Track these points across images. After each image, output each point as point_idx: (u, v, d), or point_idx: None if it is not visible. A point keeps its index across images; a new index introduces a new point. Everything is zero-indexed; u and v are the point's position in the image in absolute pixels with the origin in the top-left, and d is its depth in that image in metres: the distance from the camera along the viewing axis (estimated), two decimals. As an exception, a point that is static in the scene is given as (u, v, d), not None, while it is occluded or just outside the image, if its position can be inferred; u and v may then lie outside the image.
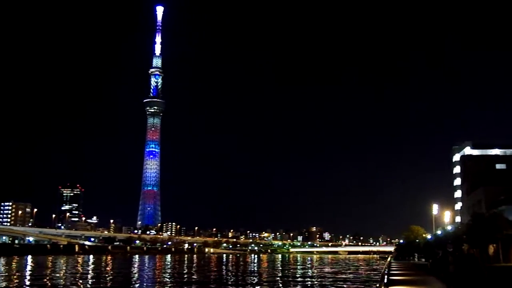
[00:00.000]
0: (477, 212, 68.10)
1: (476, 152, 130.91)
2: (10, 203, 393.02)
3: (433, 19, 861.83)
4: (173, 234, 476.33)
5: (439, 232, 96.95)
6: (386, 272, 47.33)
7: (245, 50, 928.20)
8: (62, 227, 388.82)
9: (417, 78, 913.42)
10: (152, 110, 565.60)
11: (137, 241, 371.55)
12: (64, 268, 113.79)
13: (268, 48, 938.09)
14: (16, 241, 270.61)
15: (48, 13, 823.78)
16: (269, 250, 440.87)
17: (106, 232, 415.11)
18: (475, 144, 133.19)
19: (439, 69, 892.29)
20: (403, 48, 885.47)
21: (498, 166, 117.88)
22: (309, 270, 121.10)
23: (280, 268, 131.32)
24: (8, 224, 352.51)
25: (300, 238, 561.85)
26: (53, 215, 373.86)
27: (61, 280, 74.58)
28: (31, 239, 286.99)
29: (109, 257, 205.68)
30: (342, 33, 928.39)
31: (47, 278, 78.79)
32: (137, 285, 72.31)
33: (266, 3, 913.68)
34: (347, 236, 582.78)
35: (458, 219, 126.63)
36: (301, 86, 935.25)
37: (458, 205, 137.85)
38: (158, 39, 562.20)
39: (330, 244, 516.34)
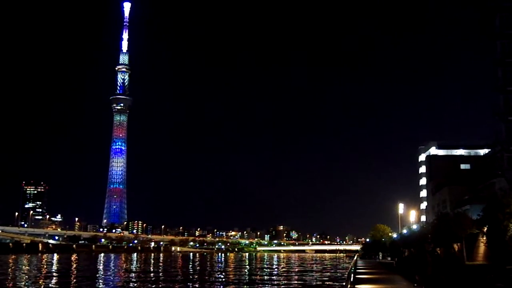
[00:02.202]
0: (442, 212, 69.21)
1: (441, 152, 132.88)
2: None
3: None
4: (139, 233, 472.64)
5: (405, 231, 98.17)
6: (352, 270, 47.70)
7: (212, 46, 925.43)
8: (26, 225, 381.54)
9: (381, 77, 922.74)
10: (119, 107, 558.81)
11: (103, 240, 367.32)
12: (26, 267, 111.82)
13: (234, 43, 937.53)
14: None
15: (13, 9, 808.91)
16: (236, 249, 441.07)
17: (67, 230, 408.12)
18: (440, 144, 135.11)
19: (405, 67, 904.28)
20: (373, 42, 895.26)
21: (462, 166, 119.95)
22: (276, 269, 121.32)
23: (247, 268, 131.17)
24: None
25: (267, 237, 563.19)
26: (16, 213, 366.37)
27: (23, 279, 73.40)
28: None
29: (73, 256, 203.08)
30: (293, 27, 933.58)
31: (8, 276, 77.50)
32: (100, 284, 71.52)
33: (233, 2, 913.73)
34: (314, 235, 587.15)
35: (423, 218, 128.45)
36: (270, 82, 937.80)
37: (424, 205, 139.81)
38: (125, 35, 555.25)
39: (297, 243, 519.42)
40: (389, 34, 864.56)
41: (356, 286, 35.90)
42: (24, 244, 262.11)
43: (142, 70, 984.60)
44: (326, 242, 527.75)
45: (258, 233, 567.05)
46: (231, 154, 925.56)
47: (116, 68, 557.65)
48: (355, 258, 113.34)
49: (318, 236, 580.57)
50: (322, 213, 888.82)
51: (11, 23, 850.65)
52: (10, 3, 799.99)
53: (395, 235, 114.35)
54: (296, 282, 75.97)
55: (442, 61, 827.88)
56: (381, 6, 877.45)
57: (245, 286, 70.15)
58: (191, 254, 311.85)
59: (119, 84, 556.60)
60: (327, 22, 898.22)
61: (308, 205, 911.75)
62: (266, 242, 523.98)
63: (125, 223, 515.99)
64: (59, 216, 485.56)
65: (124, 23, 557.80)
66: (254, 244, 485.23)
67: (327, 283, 73.32)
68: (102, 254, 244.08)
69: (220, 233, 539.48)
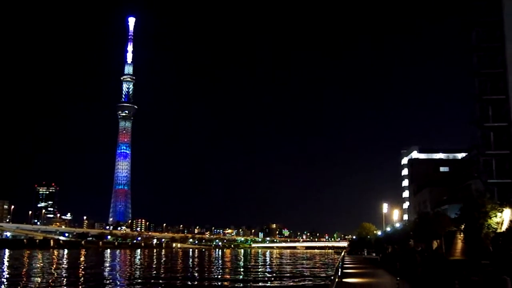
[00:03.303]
0: (423, 211, 69.42)
1: (422, 156, 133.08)
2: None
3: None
4: (142, 230, 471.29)
5: (388, 229, 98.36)
6: (340, 265, 47.81)
7: (212, 56, 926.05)
8: (38, 223, 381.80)
9: (367, 83, 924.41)
10: (124, 114, 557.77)
11: (109, 237, 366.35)
12: (40, 260, 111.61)
13: (234, 53, 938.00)
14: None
15: (24, 21, 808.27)
16: (232, 245, 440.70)
17: (76, 228, 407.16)
18: (421, 148, 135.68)
19: (390, 74, 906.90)
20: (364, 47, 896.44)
21: (442, 169, 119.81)
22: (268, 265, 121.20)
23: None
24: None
25: (261, 234, 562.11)
26: (30, 212, 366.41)
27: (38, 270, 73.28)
28: (8, 234, 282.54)
29: (82, 251, 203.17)
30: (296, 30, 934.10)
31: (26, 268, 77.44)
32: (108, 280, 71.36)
33: (230, 13, 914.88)
34: (305, 232, 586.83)
35: (406, 217, 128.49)
36: (267, 86, 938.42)
37: (406, 204, 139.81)
38: (130, 48, 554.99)
39: (289, 240, 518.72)
40: (375, 40, 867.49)
41: (343, 279, 36.04)
42: (37, 240, 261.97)
43: (146, 80, 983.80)
44: (316, 239, 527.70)
45: (253, 230, 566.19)
46: (228, 156, 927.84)
47: (122, 78, 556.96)
48: (342, 254, 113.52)
49: (308, 234, 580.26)
50: (312, 212, 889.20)
51: (24, 35, 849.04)
52: (24, 17, 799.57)
53: (379, 233, 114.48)
54: (288, 275, 76.00)
55: (425, 73, 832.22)
56: (364, 11, 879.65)
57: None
58: (191, 250, 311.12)
59: (124, 93, 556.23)
60: (326, 24, 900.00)
61: (299, 204, 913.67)
62: (260, 239, 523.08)
63: (130, 221, 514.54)
64: (68, 214, 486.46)
65: (129, 37, 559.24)
66: (249, 241, 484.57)
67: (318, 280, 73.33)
68: (109, 250, 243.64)
69: (218, 230, 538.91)
